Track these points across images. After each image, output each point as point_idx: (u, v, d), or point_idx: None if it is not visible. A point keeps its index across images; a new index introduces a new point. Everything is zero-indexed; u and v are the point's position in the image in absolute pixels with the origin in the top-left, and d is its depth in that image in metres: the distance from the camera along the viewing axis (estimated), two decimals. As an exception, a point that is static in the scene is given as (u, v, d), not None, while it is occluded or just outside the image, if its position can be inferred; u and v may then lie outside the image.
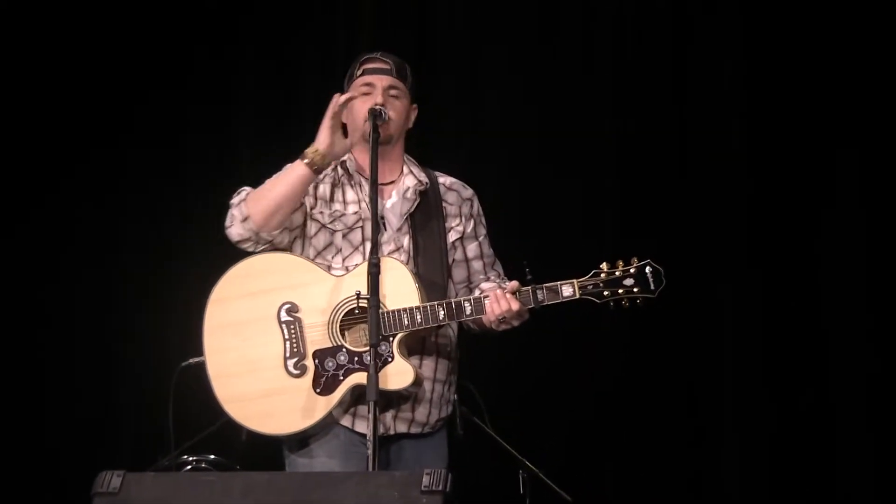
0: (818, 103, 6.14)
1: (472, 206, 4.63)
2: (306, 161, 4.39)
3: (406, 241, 4.50)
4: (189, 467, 5.45)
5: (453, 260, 4.56)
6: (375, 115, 4.43)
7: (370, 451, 4.04)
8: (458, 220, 4.59)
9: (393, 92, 4.52)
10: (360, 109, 4.50)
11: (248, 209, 4.42)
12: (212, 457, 5.49)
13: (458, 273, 4.55)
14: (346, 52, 6.39)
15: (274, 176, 4.46)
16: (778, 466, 6.10)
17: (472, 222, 4.61)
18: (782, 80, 6.20)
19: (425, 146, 4.81)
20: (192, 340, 4.46)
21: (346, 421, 4.40)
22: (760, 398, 6.13)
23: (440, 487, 3.62)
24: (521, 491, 5.37)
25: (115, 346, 6.53)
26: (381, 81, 4.51)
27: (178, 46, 6.63)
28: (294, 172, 4.41)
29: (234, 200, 4.49)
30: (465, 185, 4.67)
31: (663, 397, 6.20)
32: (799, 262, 6.16)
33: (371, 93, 4.51)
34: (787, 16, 6.18)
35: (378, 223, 4.31)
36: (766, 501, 6.09)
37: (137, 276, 6.54)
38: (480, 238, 4.62)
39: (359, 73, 4.55)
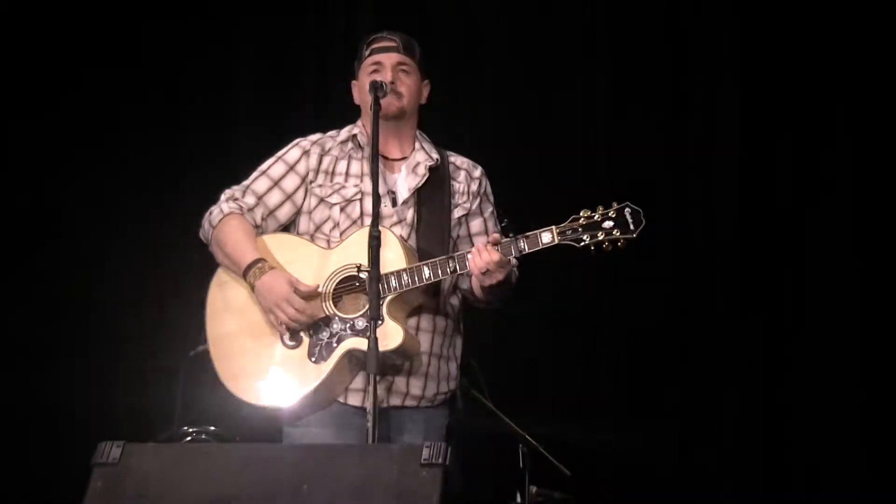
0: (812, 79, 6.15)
1: (480, 185, 4.66)
2: (247, 273, 4.42)
3: (410, 214, 4.52)
4: (189, 439, 5.45)
5: (458, 236, 4.59)
6: (376, 87, 4.43)
7: (370, 424, 4.05)
8: (465, 198, 4.62)
9: (403, 68, 4.55)
10: (367, 86, 4.51)
11: (212, 239, 4.52)
12: (212, 428, 5.48)
13: (465, 249, 4.54)
14: (344, 35, 6.39)
15: (236, 238, 4.47)
16: (770, 439, 6.11)
17: (478, 200, 4.64)
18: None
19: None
20: (194, 320, 4.53)
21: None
22: (755, 371, 6.13)
23: (440, 461, 3.62)
24: (521, 465, 5.37)
25: (118, 321, 6.52)
26: (390, 59, 4.55)
27: (172, 35, 6.61)
28: (237, 259, 4.45)
29: (213, 215, 4.53)
30: (476, 165, 4.70)
31: (661, 370, 6.20)
32: (789, 223, 6.17)
33: (380, 70, 4.54)
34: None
35: (378, 196, 4.30)
36: (759, 481, 6.10)
37: (140, 255, 6.52)
38: (486, 214, 4.65)
39: (367, 53, 4.59)
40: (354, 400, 4.43)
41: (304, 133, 4.69)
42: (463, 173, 4.65)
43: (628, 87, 6.34)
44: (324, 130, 4.67)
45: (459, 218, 4.59)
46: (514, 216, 4.47)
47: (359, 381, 4.43)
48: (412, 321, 4.46)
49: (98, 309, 6.50)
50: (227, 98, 6.69)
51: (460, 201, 4.60)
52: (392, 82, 4.49)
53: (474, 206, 4.62)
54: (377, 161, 4.33)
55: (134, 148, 6.62)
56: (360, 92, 4.60)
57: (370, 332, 4.11)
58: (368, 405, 4.09)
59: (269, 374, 4.40)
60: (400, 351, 4.34)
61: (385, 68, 4.54)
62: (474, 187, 4.64)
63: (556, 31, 6.44)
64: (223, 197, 4.57)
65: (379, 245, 4.17)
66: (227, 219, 4.52)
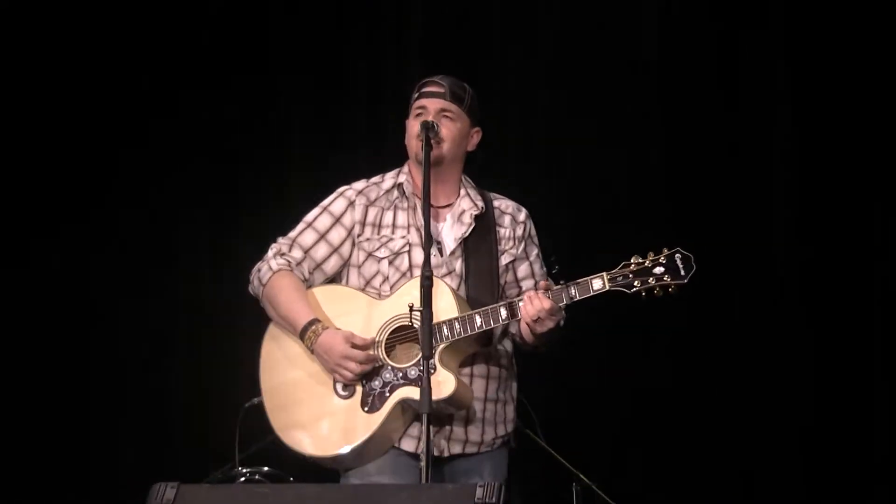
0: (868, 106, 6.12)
1: (525, 228, 4.65)
2: (303, 335, 4.44)
3: (458, 265, 4.53)
4: (243, 479, 5.47)
5: (505, 281, 4.59)
6: (427, 127, 4.45)
7: (423, 463, 4.05)
8: (511, 244, 4.61)
9: (446, 114, 4.54)
10: (412, 129, 4.55)
11: (263, 297, 4.55)
12: (265, 469, 5.50)
13: (512, 294, 4.56)
14: (396, 72, 6.42)
15: (287, 297, 4.49)
16: (816, 466, 6.09)
17: (523, 243, 4.63)
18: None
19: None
20: (251, 365, 4.56)
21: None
22: (807, 393, 6.10)
23: (493, 500, 3.60)
24: (575, 504, 5.35)
25: (170, 360, 6.56)
26: (434, 104, 4.54)
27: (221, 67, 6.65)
28: (291, 320, 4.47)
29: (262, 272, 4.55)
30: (520, 207, 4.69)
31: (715, 405, 6.16)
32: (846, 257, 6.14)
33: (423, 115, 4.54)
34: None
35: (430, 237, 4.33)
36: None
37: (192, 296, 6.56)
38: (531, 258, 4.64)
39: (415, 96, 4.60)
40: (409, 446, 4.43)
41: (357, 172, 4.70)
42: (508, 218, 4.64)
43: (681, 124, 6.32)
44: (370, 171, 4.68)
45: (507, 264, 4.59)
46: (569, 259, 4.47)
47: (415, 429, 4.43)
48: (466, 368, 4.46)
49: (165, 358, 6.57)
50: (280, 141, 6.71)
51: (507, 247, 4.60)
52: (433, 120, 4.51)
53: (520, 251, 4.62)
54: (428, 201, 4.34)
55: (187, 207, 6.65)
56: (407, 134, 4.61)
57: (423, 371, 4.10)
58: (421, 446, 4.08)
59: (322, 425, 4.42)
60: (452, 400, 4.34)
61: (428, 113, 4.54)
62: (519, 231, 4.64)
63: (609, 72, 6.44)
64: (270, 252, 4.58)
65: (431, 284, 4.18)
66: (276, 276, 4.53)
